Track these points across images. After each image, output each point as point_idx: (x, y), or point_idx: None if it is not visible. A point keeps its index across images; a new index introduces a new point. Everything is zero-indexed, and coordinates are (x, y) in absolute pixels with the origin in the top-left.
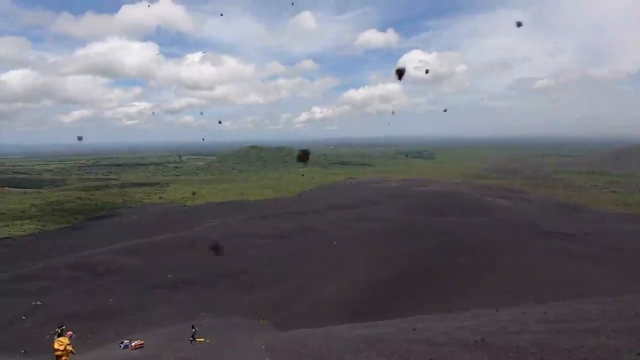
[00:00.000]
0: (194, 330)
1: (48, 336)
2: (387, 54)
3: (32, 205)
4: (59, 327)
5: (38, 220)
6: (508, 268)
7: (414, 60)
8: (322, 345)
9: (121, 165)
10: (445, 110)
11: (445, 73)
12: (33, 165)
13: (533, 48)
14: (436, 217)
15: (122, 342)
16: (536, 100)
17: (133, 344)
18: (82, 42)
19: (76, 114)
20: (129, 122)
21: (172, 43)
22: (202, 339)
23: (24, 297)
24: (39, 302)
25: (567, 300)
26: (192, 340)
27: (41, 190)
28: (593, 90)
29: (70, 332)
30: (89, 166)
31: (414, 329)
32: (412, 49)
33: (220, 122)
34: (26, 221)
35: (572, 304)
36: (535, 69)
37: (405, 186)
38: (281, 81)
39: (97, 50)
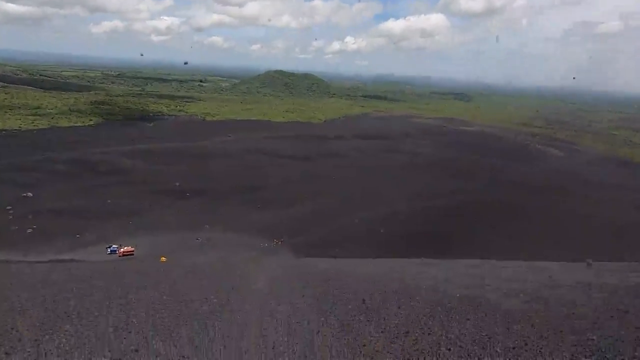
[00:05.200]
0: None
1: (30, 230)
2: None
3: (49, 103)
4: None
5: (52, 118)
6: (576, 217)
7: None
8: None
9: (146, 78)
10: (497, 40)
11: (500, 6)
12: (61, 72)
13: None
14: (479, 157)
15: (110, 247)
16: (597, 49)
17: (122, 249)
18: None
19: (106, 24)
20: (157, 38)
21: None
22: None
23: (15, 187)
24: (29, 194)
25: None
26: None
27: (63, 92)
28: None
29: None
30: (115, 76)
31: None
32: None
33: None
34: (38, 117)
35: None
36: (603, 12)
37: (440, 124)
38: (317, 2)
39: None
